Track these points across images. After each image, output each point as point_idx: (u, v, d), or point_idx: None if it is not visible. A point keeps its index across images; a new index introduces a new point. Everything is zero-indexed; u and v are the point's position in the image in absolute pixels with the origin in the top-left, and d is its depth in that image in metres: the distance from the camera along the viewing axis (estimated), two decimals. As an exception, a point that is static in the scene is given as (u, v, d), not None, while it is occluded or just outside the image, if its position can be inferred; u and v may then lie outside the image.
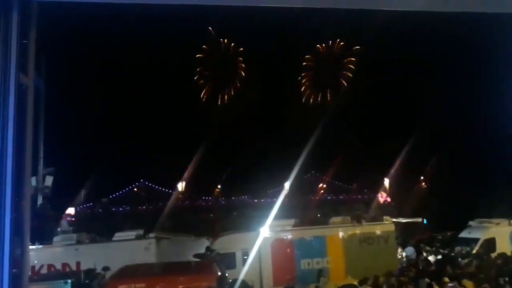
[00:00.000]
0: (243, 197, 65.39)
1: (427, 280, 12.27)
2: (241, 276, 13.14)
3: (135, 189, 70.15)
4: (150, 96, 58.87)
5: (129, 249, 16.09)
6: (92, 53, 41.09)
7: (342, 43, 54.10)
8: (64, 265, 15.49)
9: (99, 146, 54.60)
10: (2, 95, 4.44)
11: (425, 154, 41.24)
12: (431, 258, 17.85)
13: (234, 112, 59.01)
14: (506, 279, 12.36)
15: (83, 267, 14.38)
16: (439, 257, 17.88)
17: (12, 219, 4.30)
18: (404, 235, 21.27)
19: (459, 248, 18.49)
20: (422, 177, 38.86)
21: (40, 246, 16.21)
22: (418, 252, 19.01)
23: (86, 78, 44.45)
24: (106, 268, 13.50)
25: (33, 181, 17.13)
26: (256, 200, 62.00)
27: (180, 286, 10.92)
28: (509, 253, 16.07)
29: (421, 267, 15.36)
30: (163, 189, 68.39)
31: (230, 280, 12.51)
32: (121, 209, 64.89)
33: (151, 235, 17.19)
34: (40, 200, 18.81)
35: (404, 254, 18.82)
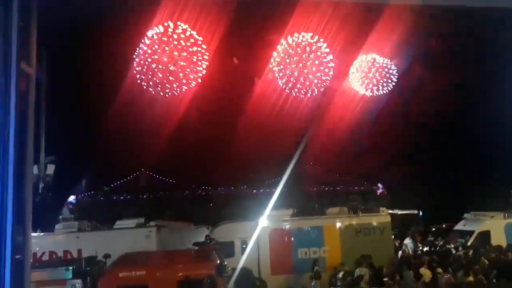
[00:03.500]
0: (242, 187, 65.63)
1: (421, 270, 12.48)
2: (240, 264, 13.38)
3: (136, 178, 70.45)
4: (154, 79, 58.74)
5: (130, 237, 16.28)
6: (94, 44, 41.11)
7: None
8: (66, 252, 15.69)
9: (101, 135, 54.74)
10: (4, 84, 4.50)
11: (422, 147, 41.27)
12: (425, 249, 18.06)
13: (232, 103, 58.95)
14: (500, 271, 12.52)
15: (84, 254, 14.52)
16: (433, 249, 18.10)
17: (14, 207, 4.40)
18: (400, 226, 21.49)
19: (453, 240, 18.66)
20: (419, 169, 38.95)
21: (42, 234, 16.44)
22: (416, 244, 19.22)
23: (88, 68, 44.49)
24: (107, 256, 13.68)
25: (35, 169, 17.29)
26: (254, 190, 62.25)
27: (180, 274, 11.05)
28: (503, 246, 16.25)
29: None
30: (164, 179, 68.69)
31: (229, 268, 12.74)
32: (122, 197, 65.21)
33: (152, 223, 17.39)
34: (41, 189, 18.98)
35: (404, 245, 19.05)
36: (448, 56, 34.10)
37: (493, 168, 29.23)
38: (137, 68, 40.86)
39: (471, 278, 11.90)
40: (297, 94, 42.49)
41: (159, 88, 42.38)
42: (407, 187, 36.32)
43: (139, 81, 41.45)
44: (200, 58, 40.66)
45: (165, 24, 38.20)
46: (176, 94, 42.07)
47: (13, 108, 4.56)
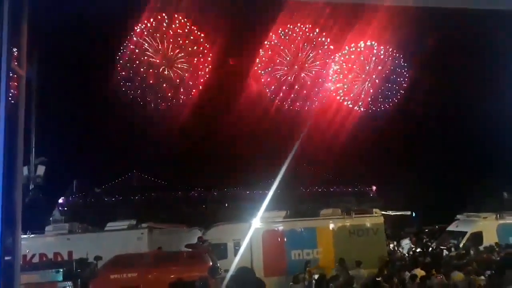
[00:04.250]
0: (235, 188, 65.47)
1: (415, 272, 12.50)
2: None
3: (128, 180, 70.02)
4: (142, 86, 58.63)
5: (122, 239, 16.21)
6: (86, 44, 40.83)
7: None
8: (56, 254, 15.59)
9: (92, 136, 54.32)
10: (-5, 85, 4.44)
11: (415, 148, 41.48)
12: (418, 251, 18.17)
13: (225, 104, 58.81)
14: (492, 271, 12.59)
15: (75, 256, 14.43)
16: (425, 249, 18.20)
17: (4, 208, 4.33)
18: (393, 227, 21.61)
19: (446, 241, 18.78)
20: (411, 171, 39.12)
21: (32, 235, 16.28)
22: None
23: (79, 68, 44.23)
24: (98, 258, 13.58)
25: (25, 170, 17.10)
26: (248, 192, 62.15)
27: (172, 276, 10.99)
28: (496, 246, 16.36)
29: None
30: (156, 180, 68.29)
31: (222, 270, 12.69)
32: (113, 199, 64.71)
33: (144, 225, 17.30)
34: (32, 190, 18.79)
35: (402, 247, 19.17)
36: (446, 56, 33.94)
37: (487, 169, 29.50)
38: (121, 73, 36.59)
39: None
40: (290, 107, 36.50)
41: (149, 99, 37.60)
42: (401, 188, 36.51)
43: (123, 89, 37.48)
44: (201, 60, 36.12)
45: (159, 17, 32.76)
46: (170, 105, 38.46)
47: (3, 109, 4.51)
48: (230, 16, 31.79)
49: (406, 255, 17.88)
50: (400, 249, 19.10)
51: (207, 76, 36.63)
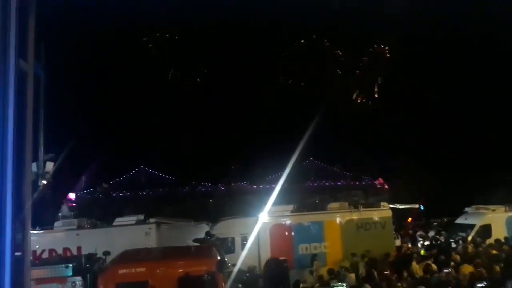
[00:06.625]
0: (242, 183, 65.66)
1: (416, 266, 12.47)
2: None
3: (136, 175, 70.36)
4: (149, 82, 58.85)
5: (130, 234, 16.28)
6: (92, 39, 40.93)
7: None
8: (65, 249, 15.69)
9: (100, 132, 54.62)
10: (2, 81, 4.43)
11: (423, 140, 41.25)
12: (426, 243, 18.12)
13: (233, 99, 58.89)
14: (501, 264, 12.50)
15: (84, 251, 14.47)
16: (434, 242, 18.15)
17: (14, 204, 4.35)
18: (401, 220, 21.55)
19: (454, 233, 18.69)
20: (420, 163, 38.89)
21: (41, 231, 16.42)
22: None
23: (87, 64, 44.31)
24: (106, 253, 13.63)
25: (34, 167, 17.20)
26: (255, 186, 62.28)
27: (180, 270, 11.00)
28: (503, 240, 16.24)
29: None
30: (163, 175, 68.59)
31: (230, 265, 12.70)
32: (121, 194, 65.11)
33: (152, 220, 17.36)
34: (40, 186, 18.90)
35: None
36: (453, 46, 33.92)
37: (496, 161, 29.22)
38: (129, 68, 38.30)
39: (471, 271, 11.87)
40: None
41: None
42: (409, 181, 36.36)
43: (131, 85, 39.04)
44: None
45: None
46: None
47: (12, 106, 4.50)
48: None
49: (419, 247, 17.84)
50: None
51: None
